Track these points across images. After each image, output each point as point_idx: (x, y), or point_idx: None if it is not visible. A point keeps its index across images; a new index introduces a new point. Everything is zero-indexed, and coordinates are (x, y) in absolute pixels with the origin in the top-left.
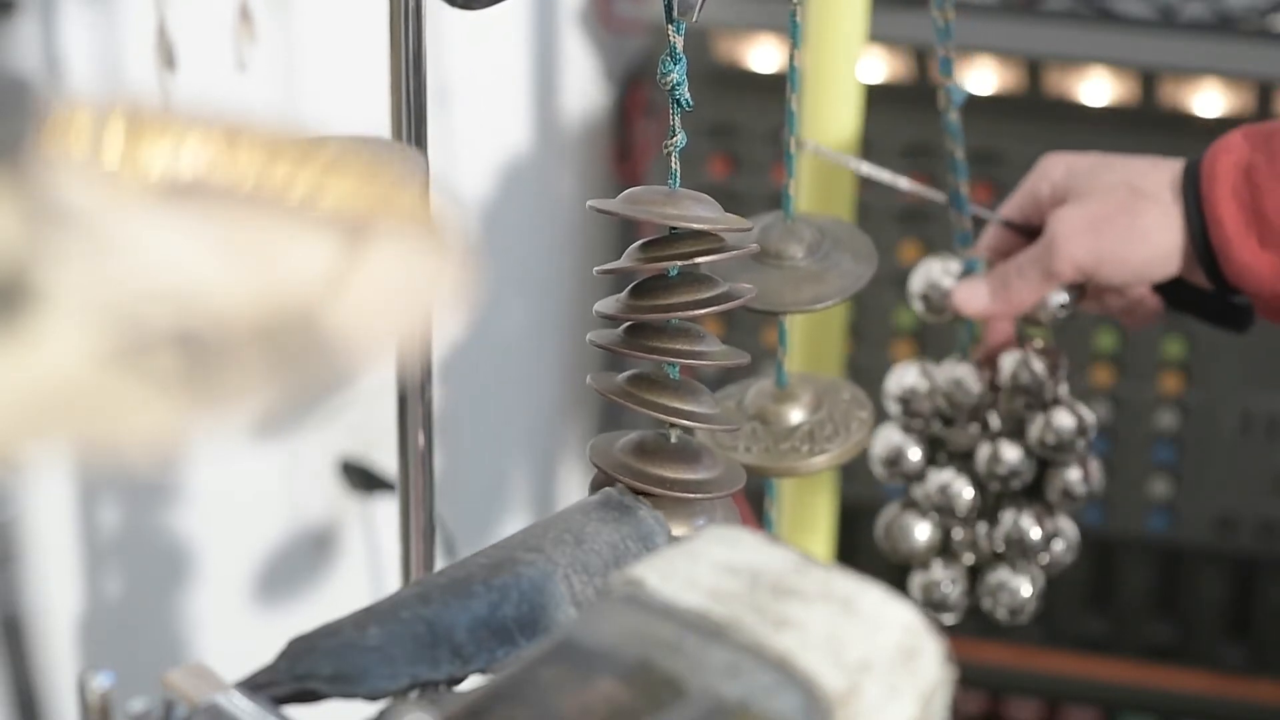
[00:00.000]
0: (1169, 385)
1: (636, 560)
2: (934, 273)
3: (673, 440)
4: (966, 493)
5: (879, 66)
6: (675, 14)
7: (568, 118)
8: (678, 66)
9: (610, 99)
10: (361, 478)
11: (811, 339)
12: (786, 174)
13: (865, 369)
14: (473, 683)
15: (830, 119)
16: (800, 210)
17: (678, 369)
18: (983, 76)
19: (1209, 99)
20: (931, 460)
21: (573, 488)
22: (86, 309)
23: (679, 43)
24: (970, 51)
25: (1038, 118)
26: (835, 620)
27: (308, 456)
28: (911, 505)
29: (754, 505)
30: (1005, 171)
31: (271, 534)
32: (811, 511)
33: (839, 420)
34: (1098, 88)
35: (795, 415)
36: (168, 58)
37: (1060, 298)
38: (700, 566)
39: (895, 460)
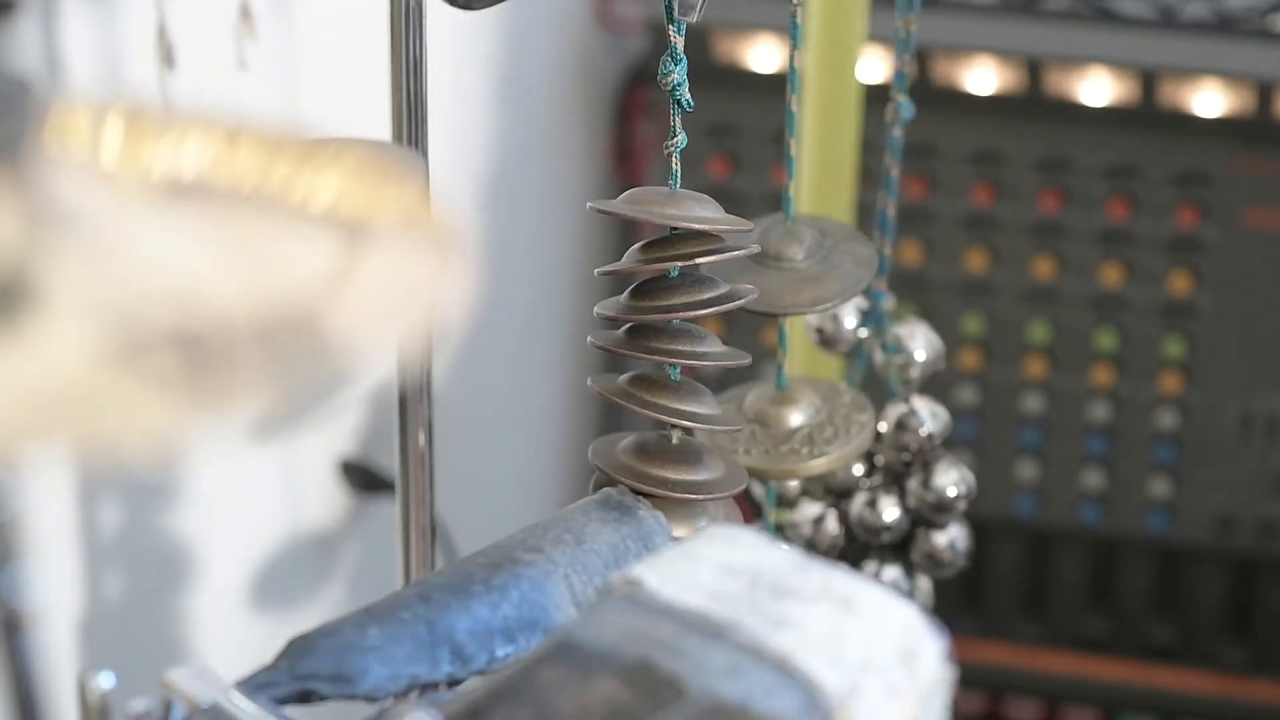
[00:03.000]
0: (1169, 385)
1: (636, 560)
2: None
3: (674, 441)
4: (833, 531)
5: (879, 66)
6: (676, 14)
7: (568, 118)
8: (678, 66)
9: (610, 99)
10: (361, 478)
11: (809, 341)
12: (787, 175)
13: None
14: (473, 683)
15: (830, 119)
16: (800, 212)
17: (679, 370)
18: (983, 76)
19: (1209, 99)
20: (806, 491)
21: (573, 488)
22: (86, 309)
23: (679, 43)
24: (970, 51)
25: (1038, 118)
26: (835, 620)
27: (308, 456)
28: (778, 531)
29: (754, 507)
30: (1005, 171)
31: (271, 534)
32: None
33: (839, 423)
34: (1098, 88)
35: (795, 418)
36: (168, 58)
37: (851, 321)
38: (700, 567)
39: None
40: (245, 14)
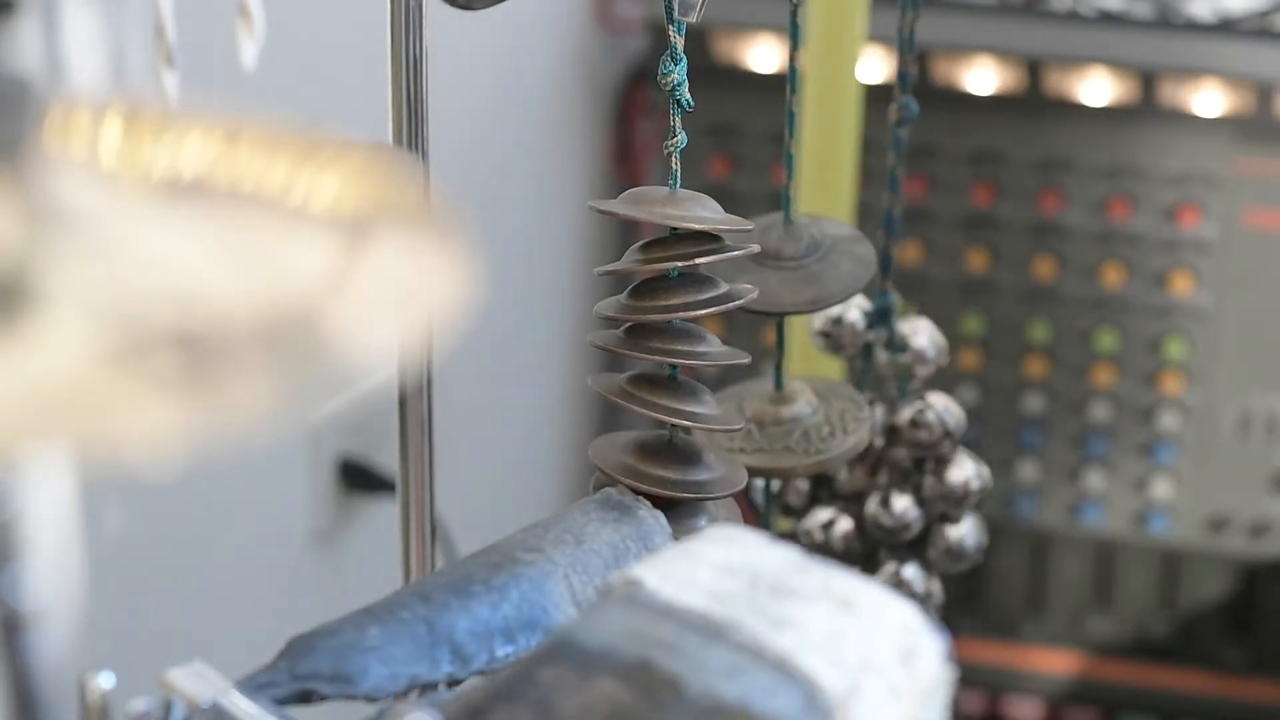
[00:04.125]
0: (1169, 385)
1: (636, 560)
2: (834, 306)
3: (673, 441)
4: (847, 534)
5: (879, 66)
6: (676, 14)
7: (568, 118)
8: (678, 66)
9: (610, 99)
10: (361, 478)
11: (808, 340)
12: (786, 175)
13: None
14: (473, 683)
15: (830, 119)
16: (800, 211)
17: (678, 369)
18: (983, 76)
19: (1209, 99)
20: (816, 497)
21: (573, 488)
22: (86, 309)
23: (679, 43)
24: (970, 51)
25: (1038, 118)
26: (835, 620)
27: (308, 456)
28: (790, 538)
29: (751, 508)
30: (1005, 171)
31: (271, 534)
32: None
33: (836, 421)
34: (1098, 88)
35: (792, 416)
36: (168, 58)
37: (857, 322)
38: (700, 567)
39: (779, 492)
40: (245, 14)
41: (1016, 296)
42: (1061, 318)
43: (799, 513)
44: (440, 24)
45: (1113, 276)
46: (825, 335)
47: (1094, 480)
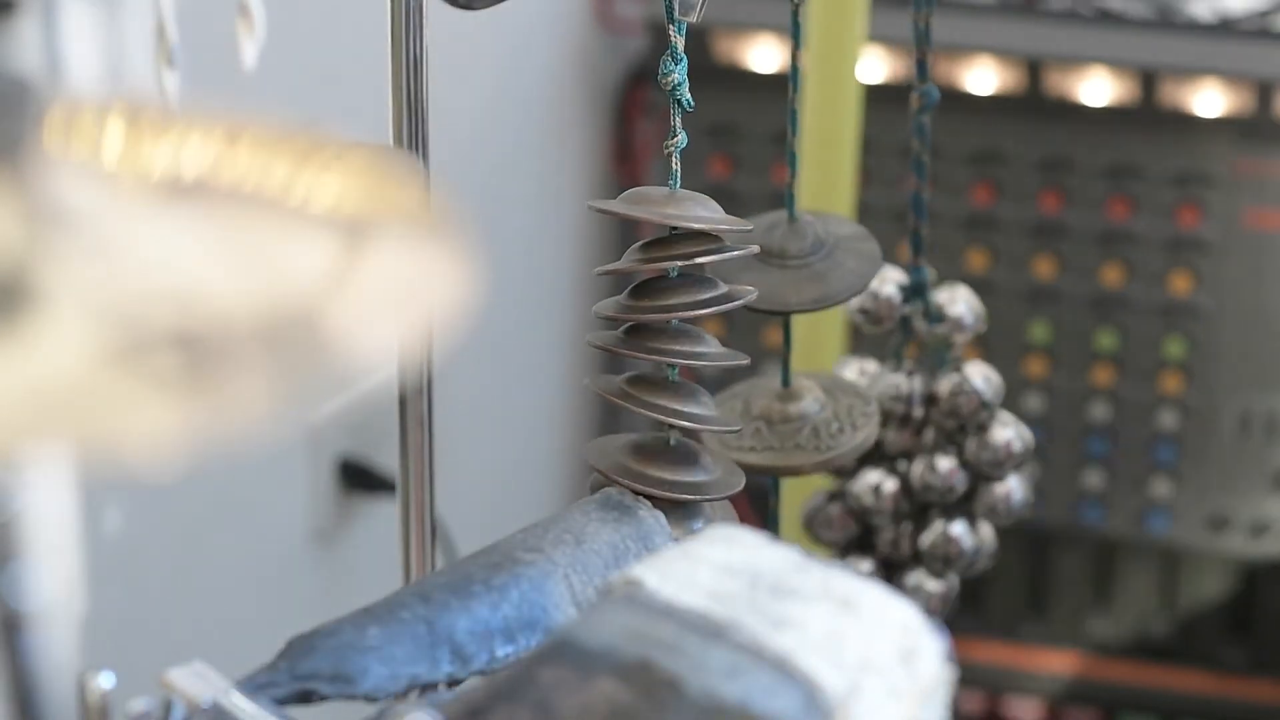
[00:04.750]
0: (1169, 385)
1: (636, 560)
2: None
3: (671, 442)
4: (895, 495)
5: (879, 66)
6: (676, 14)
7: (568, 118)
8: (679, 66)
9: (610, 99)
10: (361, 478)
11: (812, 338)
12: (789, 172)
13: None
14: (473, 683)
15: (830, 119)
16: (803, 210)
17: (677, 370)
18: (983, 76)
19: (1209, 99)
20: (863, 459)
21: (573, 488)
22: (86, 309)
23: (679, 43)
24: (970, 51)
25: (1038, 118)
26: (835, 620)
27: (308, 456)
28: (838, 498)
29: (758, 505)
30: (1005, 171)
31: (271, 534)
32: None
33: (844, 417)
34: (1098, 88)
35: (800, 413)
36: (168, 58)
37: (891, 290)
38: (700, 567)
39: None
40: (245, 14)
41: (1016, 296)
42: (1061, 318)
43: (847, 473)
44: (440, 24)
45: (1113, 276)
46: (864, 311)
47: (1094, 480)
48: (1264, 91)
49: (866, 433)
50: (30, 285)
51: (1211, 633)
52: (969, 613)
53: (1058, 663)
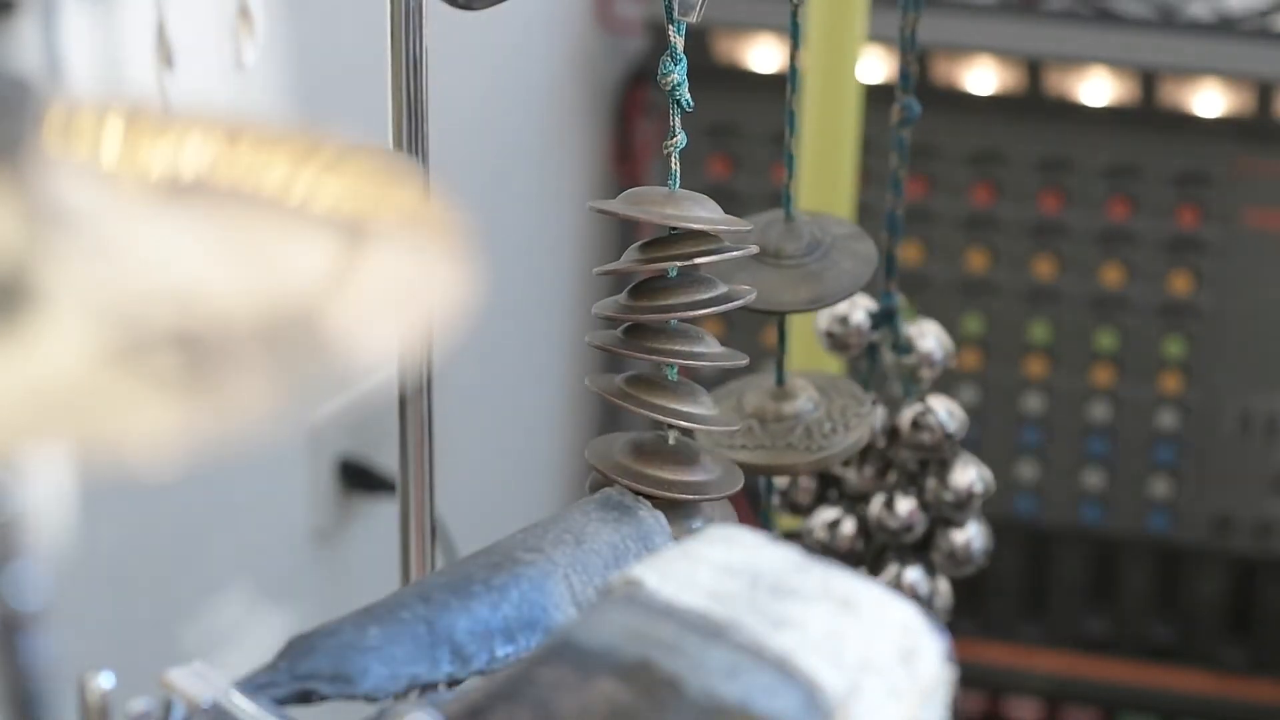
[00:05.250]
0: (1169, 385)
1: (636, 560)
2: (840, 306)
3: (670, 442)
4: (852, 536)
5: (879, 66)
6: (676, 14)
7: (568, 118)
8: (678, 66)
9: (610, 99)
10: (361, 478)
11: (808, 338)
12: (786, 173)
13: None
14: (473, 683)
15: (830, 119)
16: (800, 210)
17: (676, 370)
18: (983, 76)
19: (1209, 99)
20: (822, 496)
21: (573, 488)
22: (86, 309)
23: (679, 43)
24: (970, 51)
25: (1038, 118)
26: (835, 620)
27: (308, 456)
28: (794, 537)
29: (752, 504)
30: (1005, 171)
31: (271, 534)
32: None
33: (837, 417)
34: (1098, 88)
35: (794, 412)
36: (168, 58)
37: (862, 323)
38: (700, 567)
39: (786, 490)
40: (245, 14)
41: (1016, 296)
42: (1061, 318)
43: (805, 510)
44: (440, 24)
45: (1113, 276)
46: (830, 335)
47: (1094, 480)
48: (1264, 91)
49: (859, 433)
50: (30, 285)
51: (1211, 633)
52: (969, 613)
53: (1057, 663)
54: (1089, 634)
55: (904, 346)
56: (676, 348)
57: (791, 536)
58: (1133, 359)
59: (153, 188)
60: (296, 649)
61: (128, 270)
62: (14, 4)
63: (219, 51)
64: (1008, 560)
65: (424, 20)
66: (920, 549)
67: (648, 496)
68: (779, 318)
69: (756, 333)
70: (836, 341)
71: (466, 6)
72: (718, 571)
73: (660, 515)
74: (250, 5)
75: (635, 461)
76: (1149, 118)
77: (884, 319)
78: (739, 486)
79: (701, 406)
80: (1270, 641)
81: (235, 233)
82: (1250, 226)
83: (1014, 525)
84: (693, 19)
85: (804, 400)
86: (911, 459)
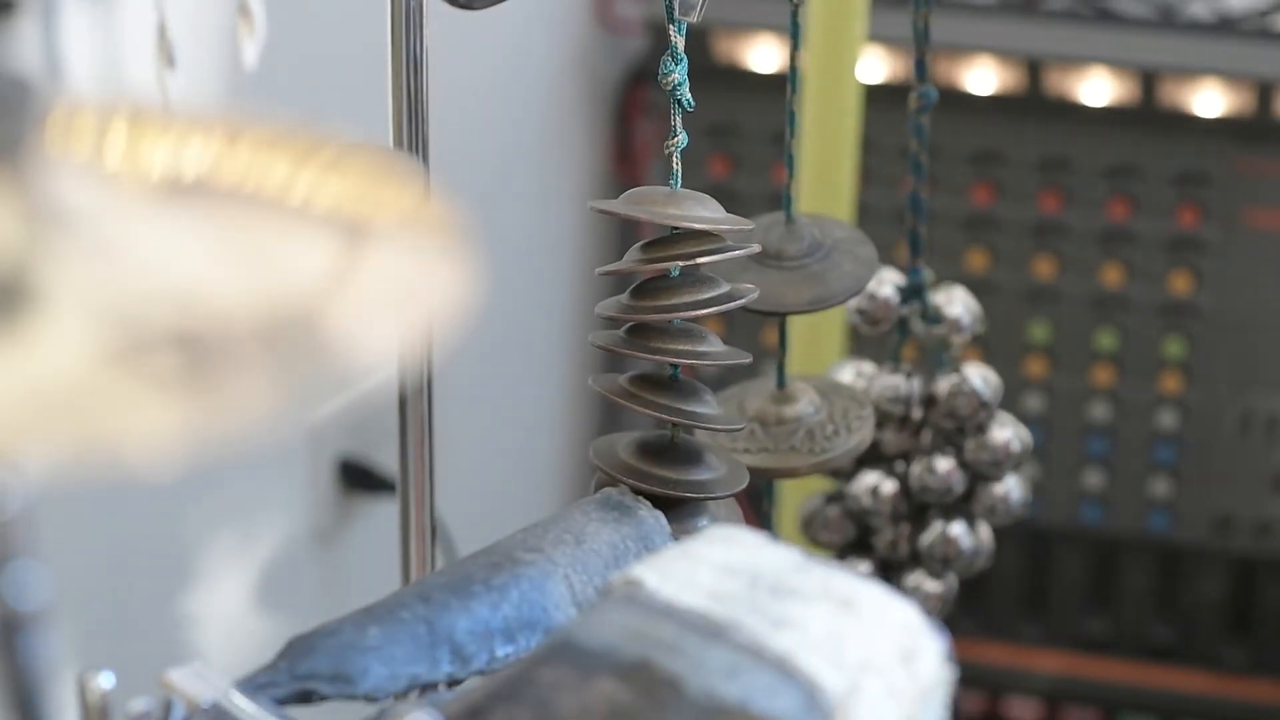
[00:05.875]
0: (1169, 385)
1: (636, 560)
2: (869, 284)
3: (674, 441)
4: (893, 496)
5: (879, 66)
6: (676, 14)
7: (568, 118)
8: (679, 66)
9: (610, 99)
10: (361, 478)
11: (811, 340)
12: (787, 174)
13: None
14: (473, 683)
15: (830, 119)
16: (801, 211)
17: (679, 369)
18: (983, 76)
19: (1209, 99)
20: (861, 461)
21: (573, 488)
22: (86, 309)
23: (679, 43)
24: (970, 51)
25: (1038, 118)
26: (835, 620)
27: (308, 456)
28: (836, 500)
29: (754, 506)
30: (1005, 171)
31: (271, 534)
32: None
33: (839, 420)
34: (1098, 88)
35: (795, 416)
36: (168, 58)
37: (889, 291)
38: (700, 567)
39: None
40: (245, 14)
41: (1016, 296)
42: (1061, 318)
43: (845, 475)
44: (440, 24)
45: (1113, 276)
46: (861, 312)
47: (1094, 480)
48: (1264, 91)
49: (861, 436)
50: (30, 285)
51: (1211, 632)
52: (969, 613)
53: (1057, 663)
54: (1089, 634)
55: (933, 316)
56: (680, 347)
57: (834, 499)
58: (1133, 359)
59: (153, 188)
60: (296, 649)
61: (128, 270)
62: (14, 4)
63: (219, 51)
64: (1008, 560)
65: (424, 20)
66: (961, 504)
67: (653, 496)
68: (780, 320)
69: (757, 333)
70: (867, 317)
71: (466, 6)
72: (718, 571)
73: (660, 515)
74: (250, 5)
75: (640, 461)
76: (1149, 118)
77: (912, 293)
78: (744, 485)
79: (705, 406)
80: (1270, 641)
81: (235, 233)
82: (1250, 226)
83: (1014, 525)
84: (693, 19)
85: (805, 403)
86: (950, 426)
